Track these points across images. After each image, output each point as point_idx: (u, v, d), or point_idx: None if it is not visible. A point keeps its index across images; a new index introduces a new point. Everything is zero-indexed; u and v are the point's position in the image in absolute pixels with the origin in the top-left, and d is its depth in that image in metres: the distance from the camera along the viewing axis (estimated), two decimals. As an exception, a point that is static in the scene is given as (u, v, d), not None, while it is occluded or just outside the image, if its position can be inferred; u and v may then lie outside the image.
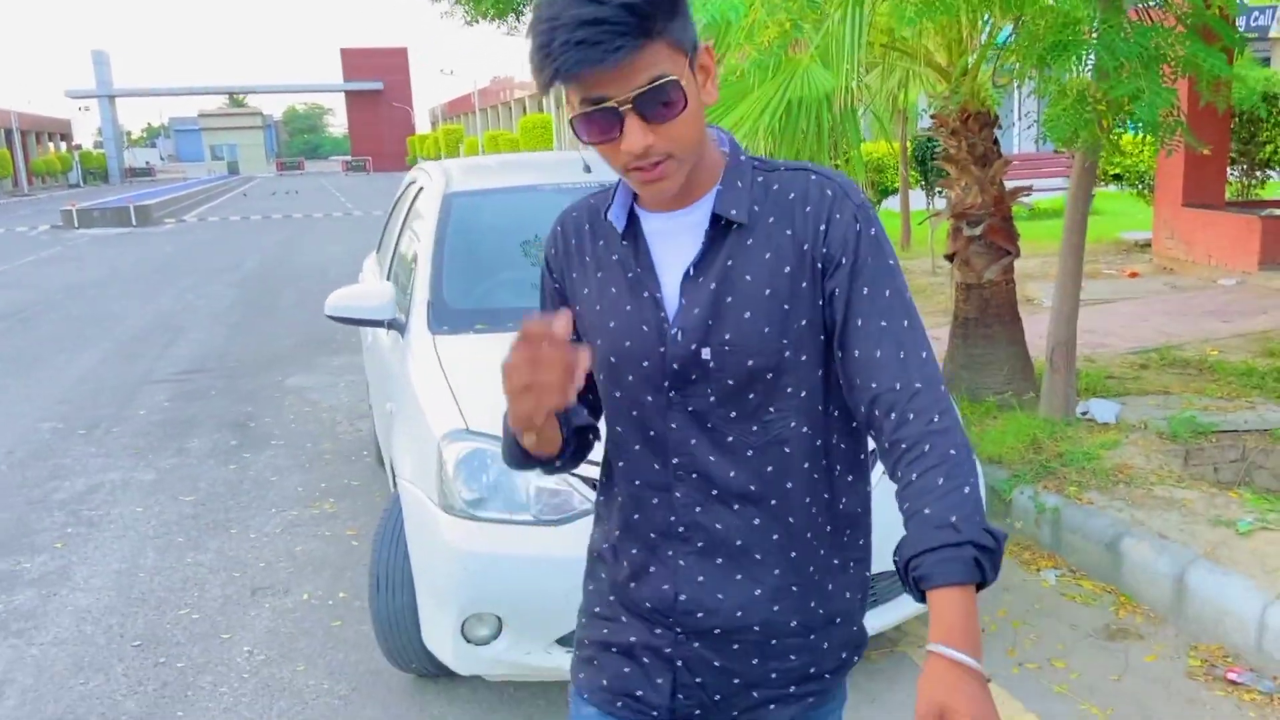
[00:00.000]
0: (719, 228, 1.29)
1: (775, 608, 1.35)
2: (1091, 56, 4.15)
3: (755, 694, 1.39)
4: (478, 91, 55.88)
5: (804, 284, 1.28)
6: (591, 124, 1.19)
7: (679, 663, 1.38)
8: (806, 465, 1.33)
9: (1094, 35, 4.10)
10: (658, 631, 1.38)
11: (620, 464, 1.39)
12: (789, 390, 1.30)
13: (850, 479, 1.38)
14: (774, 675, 1.38)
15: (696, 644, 1.37)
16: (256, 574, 4.23)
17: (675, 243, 1.32)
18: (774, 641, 1.36)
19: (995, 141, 5.47)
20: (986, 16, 4.94)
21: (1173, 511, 3.87)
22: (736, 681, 1.38)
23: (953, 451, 1.19)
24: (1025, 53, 4.23)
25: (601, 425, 1.48)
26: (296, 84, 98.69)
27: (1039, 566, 4.00)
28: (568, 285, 1.40)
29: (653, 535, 1.37)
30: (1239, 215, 9.43)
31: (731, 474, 1.32)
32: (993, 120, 5.43)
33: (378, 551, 3.16)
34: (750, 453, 1.32)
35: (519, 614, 2.81)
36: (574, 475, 2.79)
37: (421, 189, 4.63)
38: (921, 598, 1.15)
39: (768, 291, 1.28)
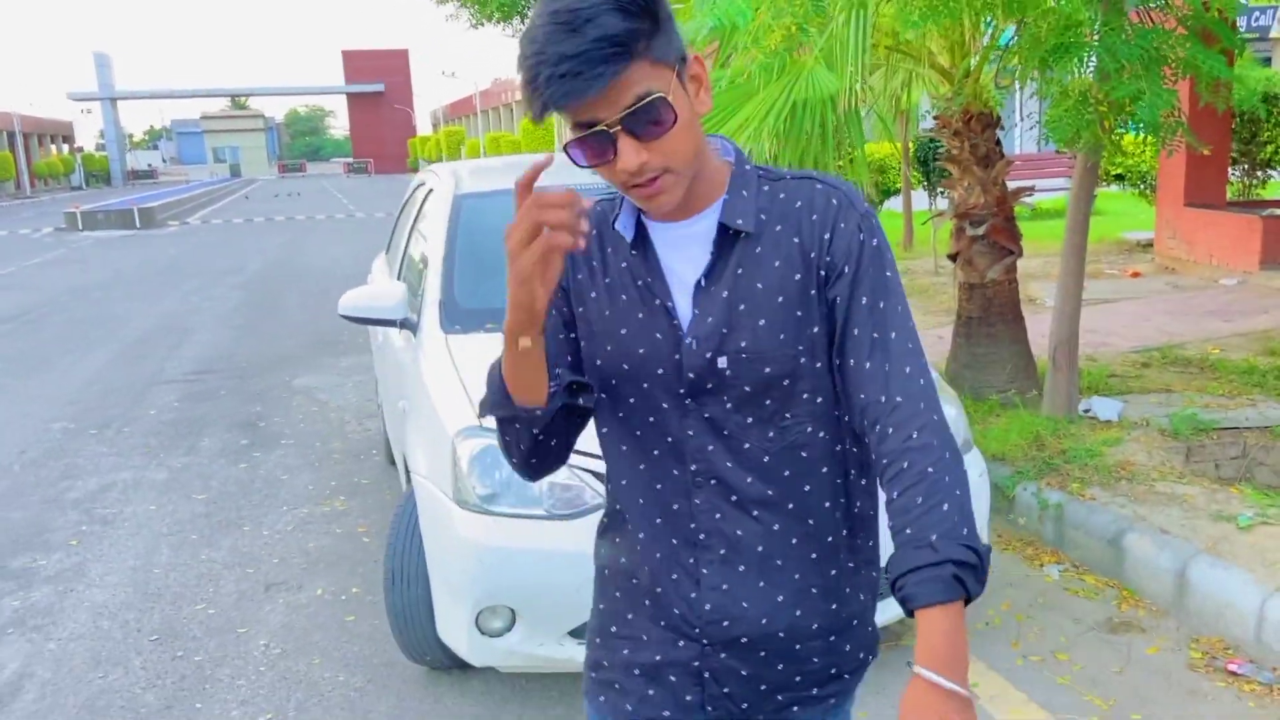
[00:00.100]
0: (726, 237, 1.30)
1: (798, 612, 1.36)
2: (1093, 58, 4.20)
3: (780, 697, 1.40)
4: (479, 93, 55.96)
5: (812, 291, 1.30)
6: (586, 148, 1.21)
7: (706, 674, 1.38)
8: (824, 469, 1.35)
9: (1095, 37, 4.15)
10: (681, 644, 1.38)
11: (641, 467, 1.38)
12: (804, 396, 1.32)
13: (863, 482, 1.41)
14: (798, 679, 1.39)
15: (724, 654, 1.37)
16: (270, 570, 4.29)
17: (683, 253, 1.33)
18: (798, 646, 1.38)
19: (998, 142, 5.52)
20: (989, 19, 4.99)
21: (1174, 507, 3.92)
22: (763, 688, 1.39)
23: (930, 469, 1.21)
24: (1027, 55, 4.28)
25: (590, 427, 1.46)
26: (298, 86, 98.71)
27: (1042, 562, 4.05)
28: (572, 286, 1.39)
29: (674, 542, 1.37)
30: (1240, 215, 9.48)
31: (749, 480, 1.33)
32: (995, 121, 5.48)
33: (392, 546, 3.22)
34: (767, 459, 1.33)
35: (532, 607, 2.87)
36: (585, 471, 2.84)
37: (431, 191, 4.69)
38: (912, 614, 1.20)
39: (780, 299, 1.29)
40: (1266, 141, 11.22)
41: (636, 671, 1.41)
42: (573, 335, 1.38)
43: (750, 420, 1.32)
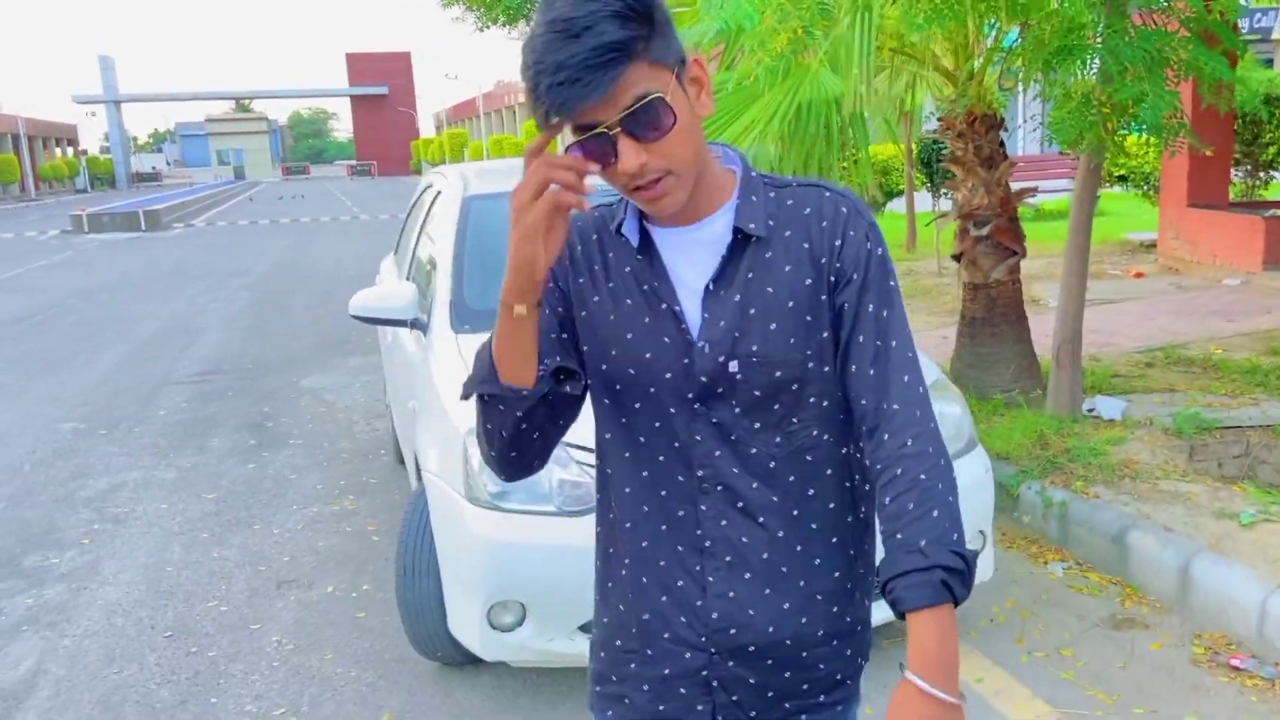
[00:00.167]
0: (737, 241, 1.31)
1: (804, 619, 1.37)
2: (1096, 60, 4.23)
3: (788, 705, 1.40)
4: (482, 96, 56.06)
5: (822, 296, 1.31)
6: (586, 151, 1.21)
7: (714, 683, 1.38)
8: (829, 473, 1.37)
9: (1098, 40, 4.19)
10: (688, 655, 1.37)
11: (645, 474, 1.37)
12: (812, 400, 1.33)
13: (867, 487, 1.41)
14: (805, 687, 1.40)
15: (731, 662, 1.37)
16: (281, 568, 4.33)
17: (688, 257, 1.33)
18: (805, 654, 1.38)
19: (1001, 143, 5.56)
20: (993, 21, 5.03)
21: (1177, 505, 3.95)
22: (770, 695, 1.39)
23: (923, 476, 1.25)
24: (1031, 57, 4.31)
25: (587, 426, 1.44)
26: (302, 89, 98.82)
27: (1046, 559, 4.08)
28: (573, 290, 1.38)
29: (680, 549, 1.36)
30: (1243, 216, 9.50)
31: (755, 485, 1.33)
32: (999, 123, 5.52)
33: (404, 542, 3.26)
34: (773, 464, 1.34)
35: (542, 601, 2.91)
36: (594, 468, 2.88)
37: (439, 193, 4.74)
38: (902, 616, 1.24)
39: (791, 304, 1.30)
40: (1269, 143, 11.25)
41: (645, 686, 1.41)
42: (565, 336, 1.37)
43: (758, 425, 1.33)
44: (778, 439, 1.33)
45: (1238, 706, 3.05)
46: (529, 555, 2.91)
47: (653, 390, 1.34)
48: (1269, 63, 21.19)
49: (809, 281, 1.31)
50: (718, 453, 1.33)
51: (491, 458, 1.37)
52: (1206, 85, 4.43)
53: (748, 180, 1.34)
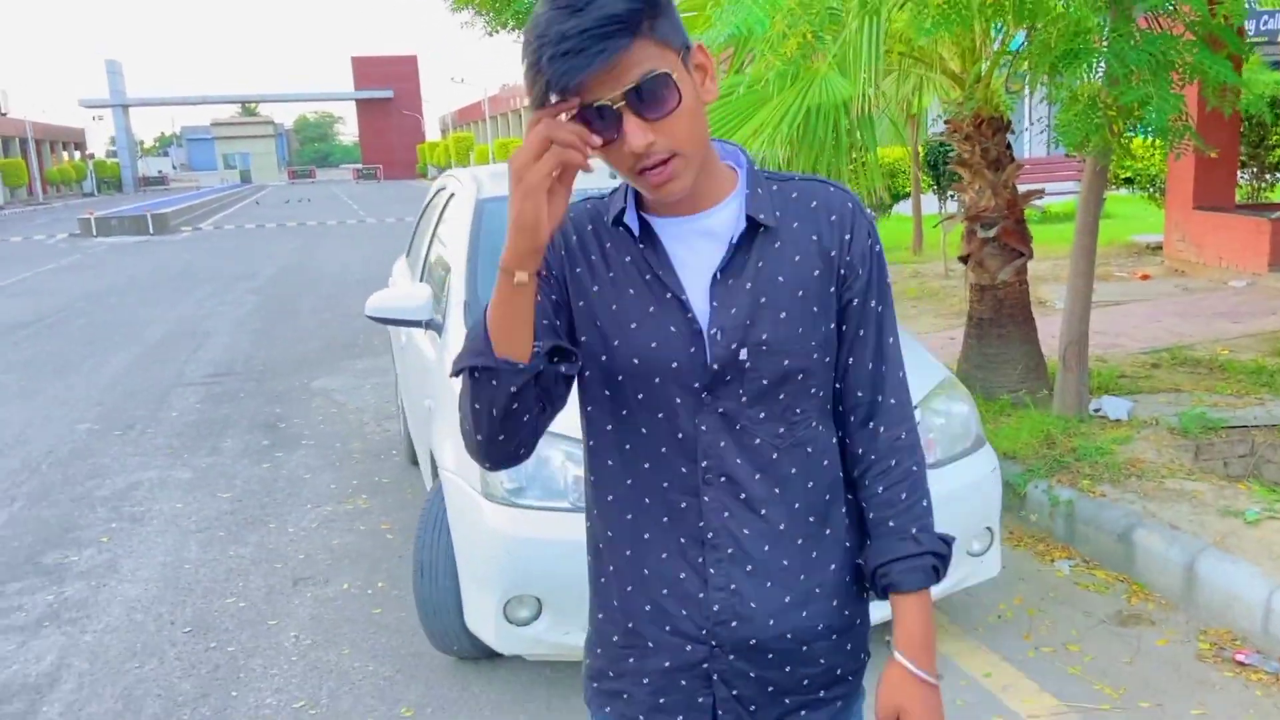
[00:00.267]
0: (746, 231, 1.31)
1: (804, 613, 1.37)
2: (1102, 64, 4.28)
3: (788, 701, 1.40)
4: (487, 99, 56.20)
5: (830, 289, 1.34)
6: (589, 125, 1.18)
7: (715, 676, 1.37)
8: (826, 463, 1.38)
9: (1104, 43, 4.24)
10: (689, 648, 1.37)
11: (646, 465, 1.36)
12: (812, 391, 1.35)
13: (855, 475, 1.45)
14: (805, 682, 1.40)
15: (732, 655, 1.36)
16: (297, 565, 4.39)
17: (689, 246, 1.33)
18: (805, 647, 1.38)
19: (1008, 146, 5.61)
20: (999, 25, 5.08)
21: (1183, 503, 3.99)
22: (771, 690, 1.39)
23: (914, 468, 1.39)
24: (1037, 60, 4.36)
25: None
26: (308, 93, 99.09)
27: (1053, 557, 4.12)
28: (569, 279, 1.36)
29: (682, 540, 1.35)
30: (1249, 218, 9.53)
31: (757, 477, 1.34)
32: (1005, 125, 5.57)
33: (421, 539, 3.32)
34: (775, 455, 1.34)
35: (558, 596, 2.96)
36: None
37: (453, 195, 4.80)
38: (883, 596, 1.38)
39: (800, 293, 1.32)
40: (1275, 145, 11.28)
41: (645, 680, 1.40)
42: (558, 323, 1.34)
43: (763, 415, 1.33)
44: (781, 430, 1.34)
45: (1242, 700, 3.09)
46: (544, 550, 2.96)
47: (658, 380, 1.32)
48: (1277, 65, 21.18)
49: (817, 273, 1.33)
50: (722, 443, 1.33)
51: (477, 442, 1.30)
52: (1211, 88, 4.47)
53: (753, 173, 1.36)
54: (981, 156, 5.52)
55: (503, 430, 1.28)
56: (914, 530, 1.37)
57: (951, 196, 12.73)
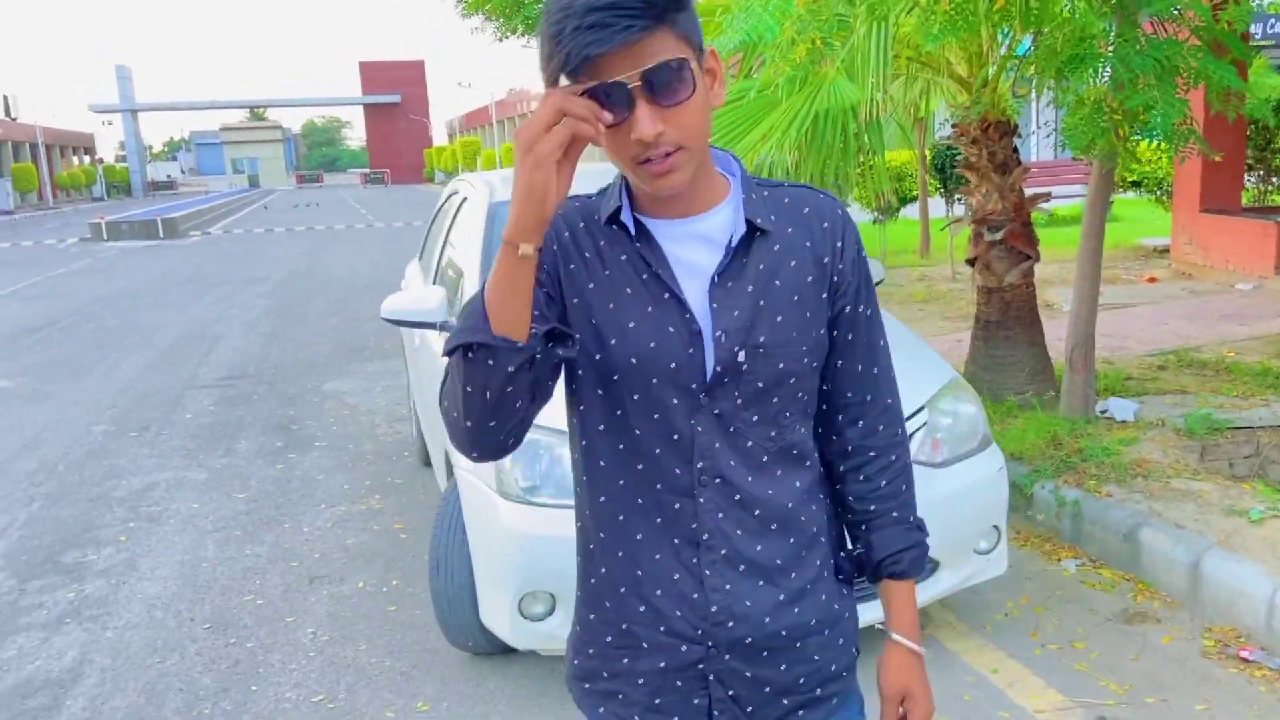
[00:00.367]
0: (744, 234, 1.32)
1: (796, 610, 1.38)
2: (1107, 68, 4.32)
3: (785, 701, 1.40)
4: (495, 104, 56.35)
5: (823, 295, 1.36)
6: (600, 100, 1.17)
7: (711, 676, 1.37)
8: (808, 464, 1.41)
9: (1110, 48, 4.28)
10: (684, 649, 1.37)
11: (640, 466, 1.35)
12: (799, 395, 1.37)
13: (836, 472, 1.50)
14: (801, 680, 1.41)
15: (728, 655, 1.36)
16: (312, 564, 4.45)
17: (685, 248, 1.33)
18: (799, 645, 1.39)
19: (1015, 149, 5.65)
20: (1006, 30, 5.12)
21: (1188, 503, 4.04)
22: (767, 690, 1.39)
23: (908, 462, 1.49)
24: (1044, 65, 4.40)
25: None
26: (315, 97, 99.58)
27: (1060, 556, 4.17)
28: (563, 275, 1.34)
29: (676, 542, 1.35)
30: (1255, 221, 9.56)
31: (750, 478, 1.35)
32: (1012, 129, 5.61)
33: (436, 537, 3.38)
34: (766, 458, 1.35)
35: (571, 592, 2.99)
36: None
37: (465, 199, 4.86)
38: (875, 580, 1.48)
39: (795, 298, 1.33)
40: (1281, 148, 11.30)
41: (641, 680, 1.39)
42: (550, 317, 1.32)
43: (756, 418, 1.34)
44: (772, 433, 1.35)
45: (1246, 696, 3.14)
46: (558, 547, 2.99)
47: (655, 381, 1.31)
48: (1282, 68, 21.15)
49: (810, 279, 1.35)
50: (717, 445, 1.33)
51: (465, 428, 1.25)
52: (1215, 93, 4.52)
53: (747, 179, 1.37)
54: (988, 160, 5.56)
55: (494, 415, 1.24)
56: (911, 519, 1.48)
57: (958, 200, 12.77)
